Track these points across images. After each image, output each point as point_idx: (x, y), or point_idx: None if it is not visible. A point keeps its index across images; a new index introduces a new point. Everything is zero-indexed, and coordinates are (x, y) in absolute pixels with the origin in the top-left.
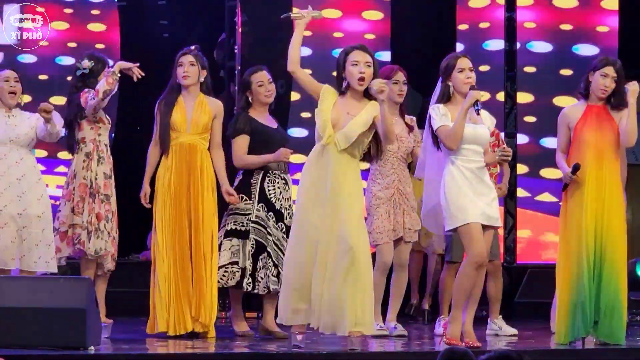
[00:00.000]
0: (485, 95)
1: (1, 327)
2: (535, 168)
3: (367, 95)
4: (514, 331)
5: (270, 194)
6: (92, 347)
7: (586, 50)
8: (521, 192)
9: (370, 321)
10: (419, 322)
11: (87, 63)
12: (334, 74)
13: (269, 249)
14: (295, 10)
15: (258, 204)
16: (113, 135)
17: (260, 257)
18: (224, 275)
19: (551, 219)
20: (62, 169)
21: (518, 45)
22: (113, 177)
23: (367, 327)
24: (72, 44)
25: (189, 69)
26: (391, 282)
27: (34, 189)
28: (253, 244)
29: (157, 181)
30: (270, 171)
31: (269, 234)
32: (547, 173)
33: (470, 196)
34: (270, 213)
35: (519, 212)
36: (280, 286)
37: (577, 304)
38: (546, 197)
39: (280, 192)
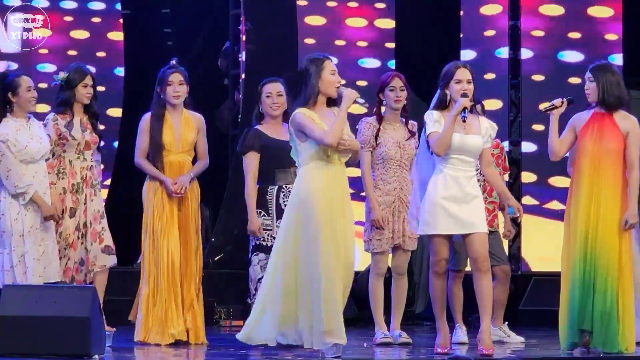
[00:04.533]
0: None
1: (5, 336)
2: (543, 176)
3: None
4: (521, 339)
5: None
6: (96, 356)
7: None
8: (530, 200)
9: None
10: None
11: (61, 74)
12: None
13: None
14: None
15: (277, 220)
16: (117, 145)
17: None
18: (256, 288)
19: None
20: None
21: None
22: (90, 189)
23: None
24: (72, 52)
25: (180, 88)
26: (392, 291)
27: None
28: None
29: (148, 194)
30: (284, 186)
31: None
32: (556, 181)
33: (446, 207)
34: None
35: (529, 220)
36: None
37: (569, 311)
38: (555, 205)
39: None
